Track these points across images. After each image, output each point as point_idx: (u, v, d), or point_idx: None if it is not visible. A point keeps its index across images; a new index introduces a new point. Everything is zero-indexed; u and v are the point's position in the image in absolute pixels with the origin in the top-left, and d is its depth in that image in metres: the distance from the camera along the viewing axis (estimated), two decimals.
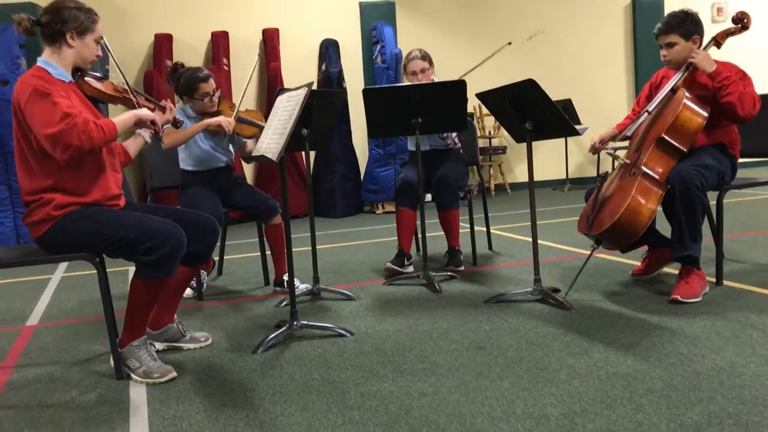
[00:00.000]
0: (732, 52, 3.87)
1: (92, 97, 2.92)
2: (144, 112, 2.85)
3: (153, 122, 2.87)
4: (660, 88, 3.67)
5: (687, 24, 3.50)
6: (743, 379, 2.35)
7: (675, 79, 3.52)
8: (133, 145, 3.06)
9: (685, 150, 3.38)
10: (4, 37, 6.37)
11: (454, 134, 4.39)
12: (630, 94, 9.56)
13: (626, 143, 3.78)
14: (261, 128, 3.93)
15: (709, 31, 3.56)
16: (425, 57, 4.43)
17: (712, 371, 2.44)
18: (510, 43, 4.39)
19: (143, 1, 7.68)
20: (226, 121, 3.89)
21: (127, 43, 7.47)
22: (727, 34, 3.57)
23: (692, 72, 3.50)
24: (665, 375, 2.43)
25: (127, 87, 2.98)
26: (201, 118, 4.02)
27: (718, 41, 3.55)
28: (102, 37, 2.82)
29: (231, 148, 4.20)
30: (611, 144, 3.80)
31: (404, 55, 4.58)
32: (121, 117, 2.77)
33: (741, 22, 3.55)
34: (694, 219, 3.29)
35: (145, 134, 3.01)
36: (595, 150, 3.77)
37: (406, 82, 4.51)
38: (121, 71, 3.00)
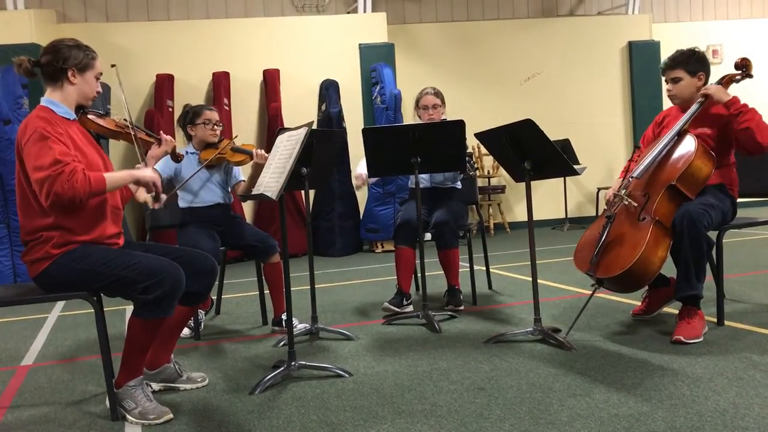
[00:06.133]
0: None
1: (94, 133, 2.95)
2: (143, 174, 2.82)
3: (154, 184, 2.83)
4: (665, 128, 3.68)
5: (693, 61, 3.55)
6: (746, 420, 2.32)
7: (683, 120, 3.50)
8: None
9: (693, 198, 3.37)
10: (7, 78, 6.43)
11: None
12: (627, 133, 9.64)
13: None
14: (249, 154, 4.06)
15: None
16: (438, 94, 4.51)
17: (715, 413, 2.41)
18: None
19: (145, 41, 7.78)
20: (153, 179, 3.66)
21: (129, 83, 7.50)
22: (732, 80, 3.57)
23: (706, 105, 3.48)
24: (668, 416, 2.40)
25: (128, 123, 3.01)
26: (198, 154, 4.18)
27: (723, 86, 3.52)
28: (101, 74, 2.86)
29: (228, 187, 4.25)
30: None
31: (404, 96, 4.63)
32: (116, 174, 2.76)
33: (743, 68, 3.58)
34: (701, 258, 3.28)
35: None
36: (611, 203, 3.60)
37: (417, 118, 4.57)
38: (126, 105, 3.03)
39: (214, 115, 4.22)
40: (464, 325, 3.98)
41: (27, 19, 6.99)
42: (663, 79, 3.66)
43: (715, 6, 10.49)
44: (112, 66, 3.16)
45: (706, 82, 3.57)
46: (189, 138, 4.26)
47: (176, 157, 3.25)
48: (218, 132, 4.23)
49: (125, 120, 3.02)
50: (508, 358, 3.23)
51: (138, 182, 2.86)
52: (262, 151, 3.93)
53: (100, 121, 2.93)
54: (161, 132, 3.12)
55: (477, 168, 4.46)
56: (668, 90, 3.61)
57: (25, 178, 2.68)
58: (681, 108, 3.63)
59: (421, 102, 4.51)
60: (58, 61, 2.73)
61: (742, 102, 3.41)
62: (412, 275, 4.44)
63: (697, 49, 3.60)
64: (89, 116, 2.90)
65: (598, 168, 9.14)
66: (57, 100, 2.76)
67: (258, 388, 2.97)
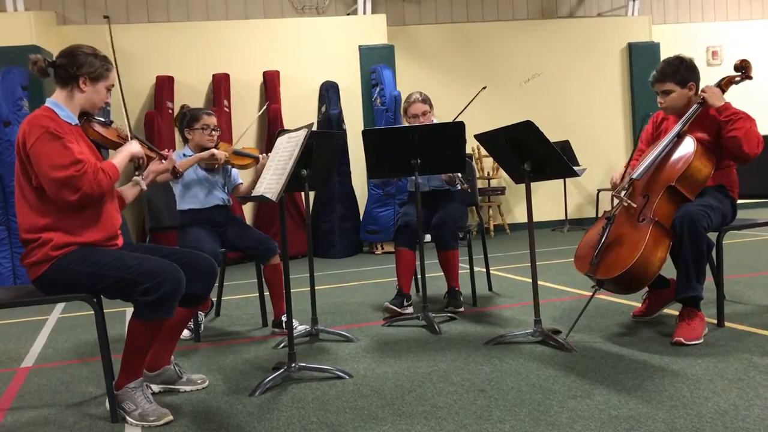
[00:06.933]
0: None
1: (95, 142, 2.93)
2: (135, 148, 2.88)
3: (143, 158, 2.91)
4: (662, 128, 3.67)
5: (682, 71, 3.50)
6: (747, 422, 2.32)
7: (682, 122, 3.49)
8: (130, 192, 3.04)
9: (692, 199, 3.37)
10: (7, 79, 6.42)
11: (459, 175, 4.39)
12: (627, 134, 9.64)
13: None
14: (255, 159, 4.08)
15: (704, 74, 3.58)
16: (425, 100, 4.49)
17: (715, 414, 2.41)
18: (485, 88, 4.51)
19: (145, 43, 7.78)
20: (219, 152, 4.06)
21: (129, 85, 7.50)
22: (731, 81, 3.56)
23: (705, 108, 3.46)
24: (668, 418, 2.40)
25: (130, 134, 3.00)
26: None
27: (722, 88, 3.52)
28: (113, 85, 2.86)
29: (226, 189, 4.24)
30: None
31: (404, 98, 4.62)
32: (118, 159, 2.80)
33: (742, 69, 3.57)
34: (700, 260, 3.28)
35: (143, 183, 3.02)
36: (617, 188, 3.59)
37: (406, 125, 4.55)
38: (128, 118, 3.03)
39: (212, 120, 4.18)
40: (464, 326, 3.98)
41: (27, 20, 6.98)
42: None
43: (715, 7, 10.49)
44: (105, 17, 3.13)
45: (696, 91, 3.55)
46: (186, 140, 4.24)
47: (175, 174, 3.24)
48: (216, 137, 4.19)
49: (127, 131, 3.01)
50: (509, 360, 3.23)
51: (132, 158, 2.88)
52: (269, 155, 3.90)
53: (103, 131, 2.90)
54: (166, 149, 3.12)
55: (469, 181, 4.43)
56: (660, 102, 3.58)
57: (25, 177, 2.68)
58: (675, 116, 3.62)
59: (410, 110, 4.49)
60: (73, 67, 2.74)
61: (738, 107, 3.40)
62: (412, 276, 4.44)
63: (684, 58, 3.54)
64: (93, 124, 2.87)
65: (598, 169, 9.13)
66: (62, 104, 2.76)
67: (258, 390, 2.97)
